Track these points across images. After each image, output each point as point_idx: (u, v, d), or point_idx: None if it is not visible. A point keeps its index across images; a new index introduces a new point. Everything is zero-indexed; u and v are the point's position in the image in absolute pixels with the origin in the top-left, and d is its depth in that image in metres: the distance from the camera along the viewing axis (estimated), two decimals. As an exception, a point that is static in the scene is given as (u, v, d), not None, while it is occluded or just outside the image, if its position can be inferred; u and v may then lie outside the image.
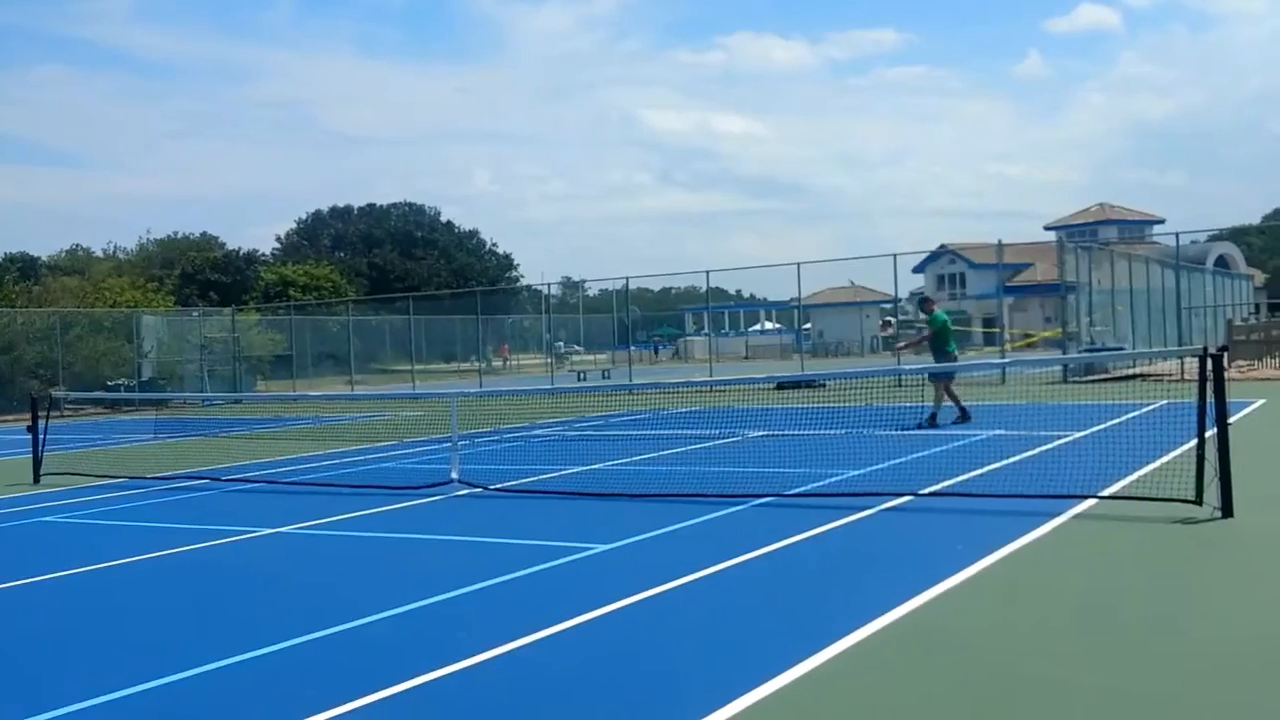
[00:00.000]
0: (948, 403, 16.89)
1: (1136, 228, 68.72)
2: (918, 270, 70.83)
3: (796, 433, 16.14)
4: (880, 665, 5.46)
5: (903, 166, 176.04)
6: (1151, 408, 17.84)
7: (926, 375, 18.09)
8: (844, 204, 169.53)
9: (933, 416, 16.63)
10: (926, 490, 10.50)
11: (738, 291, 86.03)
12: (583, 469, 13.75)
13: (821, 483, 11.57)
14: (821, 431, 16.00)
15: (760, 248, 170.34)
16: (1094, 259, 30.44)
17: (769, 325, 79.70)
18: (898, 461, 12.92)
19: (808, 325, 70.33)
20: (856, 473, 12.07)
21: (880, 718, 4.78)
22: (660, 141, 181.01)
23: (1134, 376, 26.05)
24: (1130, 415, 16.90)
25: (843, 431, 15.72)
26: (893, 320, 32.25)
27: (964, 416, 16.83)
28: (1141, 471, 10.68)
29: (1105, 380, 26.10)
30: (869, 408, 16.80)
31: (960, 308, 68.85)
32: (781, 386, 24.18)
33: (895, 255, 31.23)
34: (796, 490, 11.01)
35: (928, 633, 6.00)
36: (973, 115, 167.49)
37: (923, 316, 19.18)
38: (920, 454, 13.48)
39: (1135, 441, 12.68)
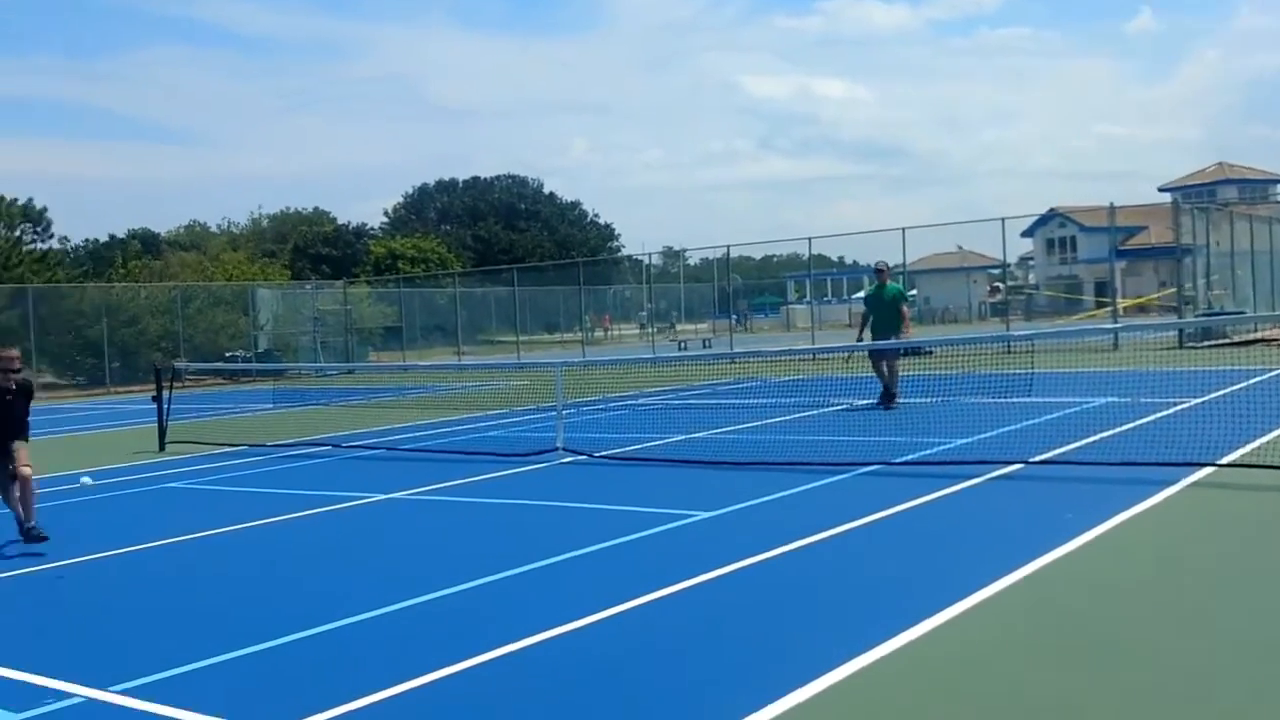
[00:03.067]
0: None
1: (1258, 187, 66.10)
2: (1026, 234, 69.24)
3: (902, 400, 15.99)
4: (987, 633, 5.46)
5: (1008, 128, 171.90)
6: (1274, 374, 17.25)
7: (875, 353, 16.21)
8: (948, 167, 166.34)
9: (892, 394, 15.89)
10: (1037, 458, 10.36)
11: (840, 258, 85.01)
12: (686, 437, 13.85)
13: (928, 451, 11.48)
14: (928, 399, 15.84)
15: (862, 213, 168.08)
16: (1212, 220, 29.40)
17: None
18: (1007, 429, 12.74)
19: (913, 291, 69.22)
20: (964, 441, 11.95)
21: (985, 686, 4.79)
22: (760, 108, 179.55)
23: (1255, 341, 25.13)
24: (1251, 382, 16.36)
25: (950, 399, 15.54)
26: (1001, 285, 31.53)
27: (889, 400, 15.83)
28: (1262, 439, 10.38)
29: (1224, 345, 25.25)
30: (976, 375, 16.53)
31: (1072, 272, 67.26)
32: (888, 354, 23.93)
33: (1004, 219, 30.46)
34: (903, 459, 10.95)
35: (1036, 601, 5.96)
36: (1079, 75, 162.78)
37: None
38: (1030, 422, 13.27)
39: (1255, 408, 12.31)
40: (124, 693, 5.11)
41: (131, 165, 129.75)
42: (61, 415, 25.23)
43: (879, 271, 17.20)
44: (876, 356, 16.09)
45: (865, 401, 15.89)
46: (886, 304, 16.54)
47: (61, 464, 14.49)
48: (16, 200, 45.35)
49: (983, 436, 12.32)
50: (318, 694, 4.95)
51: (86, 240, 67.00)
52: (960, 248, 67.31)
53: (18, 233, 44.20)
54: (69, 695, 5.14)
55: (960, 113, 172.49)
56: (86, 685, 5.24)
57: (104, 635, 6.38)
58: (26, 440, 9.13)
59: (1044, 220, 67.81)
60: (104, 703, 5.04)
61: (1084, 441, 11.37)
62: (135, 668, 5.46)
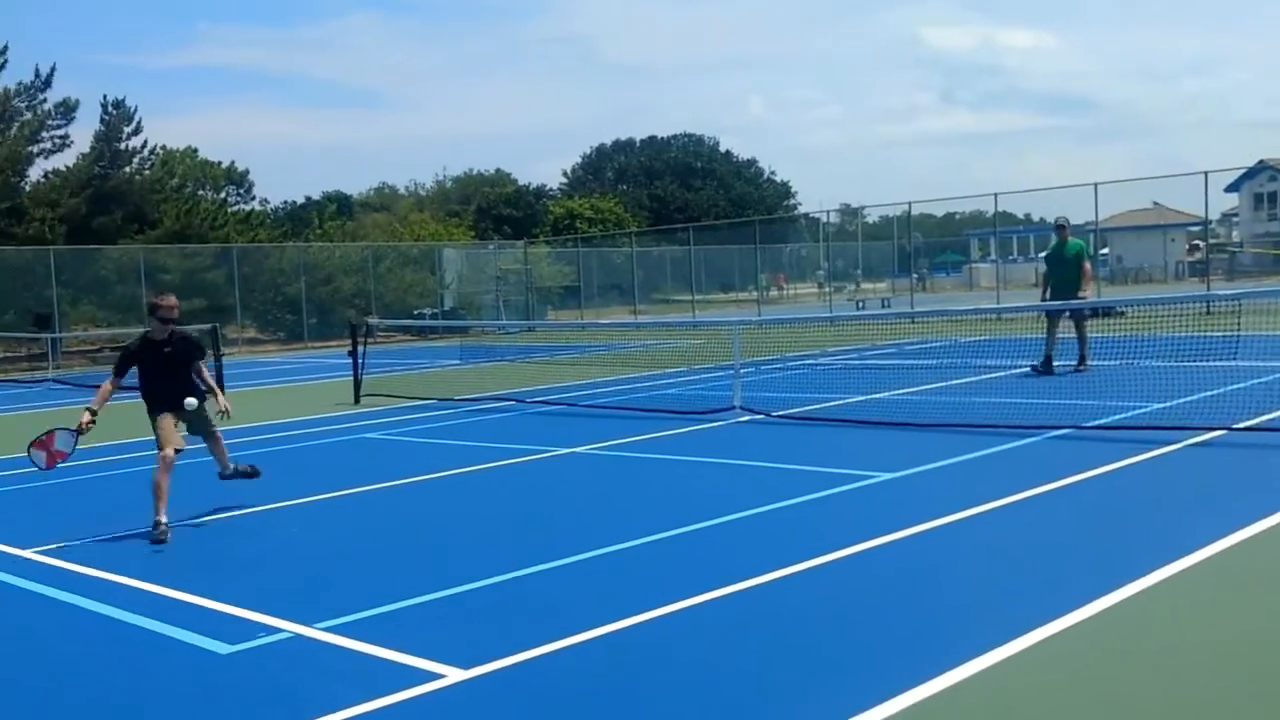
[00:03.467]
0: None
1: None
2: (1231, 189, 65.13)
3: (1094, 363, 15.38)
4: (1184, 603, 5.24)
5: (1209, 75, 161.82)
6: None
7: (1069, 314, 15.47)
8: (1142, 118, 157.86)
9: (1081, 358, 15.28)
10: (1241, 424, 9.83)
11: (1026, 215, 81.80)
12: (866, 397, 13.67)
13: (1122, 415, 11.03)
14: (1121, 361, 15.19)
15: (1051, 168, 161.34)
16: None
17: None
18: (1207, 394, 12.11)
19: (1105, 250, 66.25)
20: (1160, 405, 11.42)
21: (1180, 656, 4.60)
22: (941, 59, 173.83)
23: None
24: None
25: (1144, 362, 14.86)
26: (1201, 244, 29.78)
27: (1046, 367, 15.14)
28: None
29: None
30: (1173, 337, 15.74)
31: (1282, 229, 63.06)
32: (1077, 314, 23.02)
33: (1206, 173, 28.73)
34: (1095, 423, 10.55)
35: (1239, 573, 5.69)
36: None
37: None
38: (1233, 386, 12.58)
39: None
40: (329, 630, 5.41)
41: (325, 129, 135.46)
42: (264, 368, 26.69)
43: (1059, 228, 16.45)
44: (1055, 317, 15.45)
45: (1061, 364, 15.30)
46: (1069, 262, 15.80)
47: (267, 414, 15.34)
48: (221, 164, 47.96)
49: (1180, 401, 11.75)
50: (516, 635, 5.13)
51: (285, 202, 70.32)
52: (1157, 204, 63.85)
53: (223, 195, 46.77)
54: (278, 630, 5.48)
55: (1157, 60, 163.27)
56: (294, 621, 5.57)
57: (310, 575, 6.76)
58: (206, 400, 8.47)
59: (1251, 174, 63.67)
60: (310, 639, 5.34)
61: (1295, 408, 10.71)
62: (339, 606, 5.78)
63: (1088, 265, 15.88)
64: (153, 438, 8.13)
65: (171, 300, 8.37)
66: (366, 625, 5.47)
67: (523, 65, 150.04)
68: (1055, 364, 15.19)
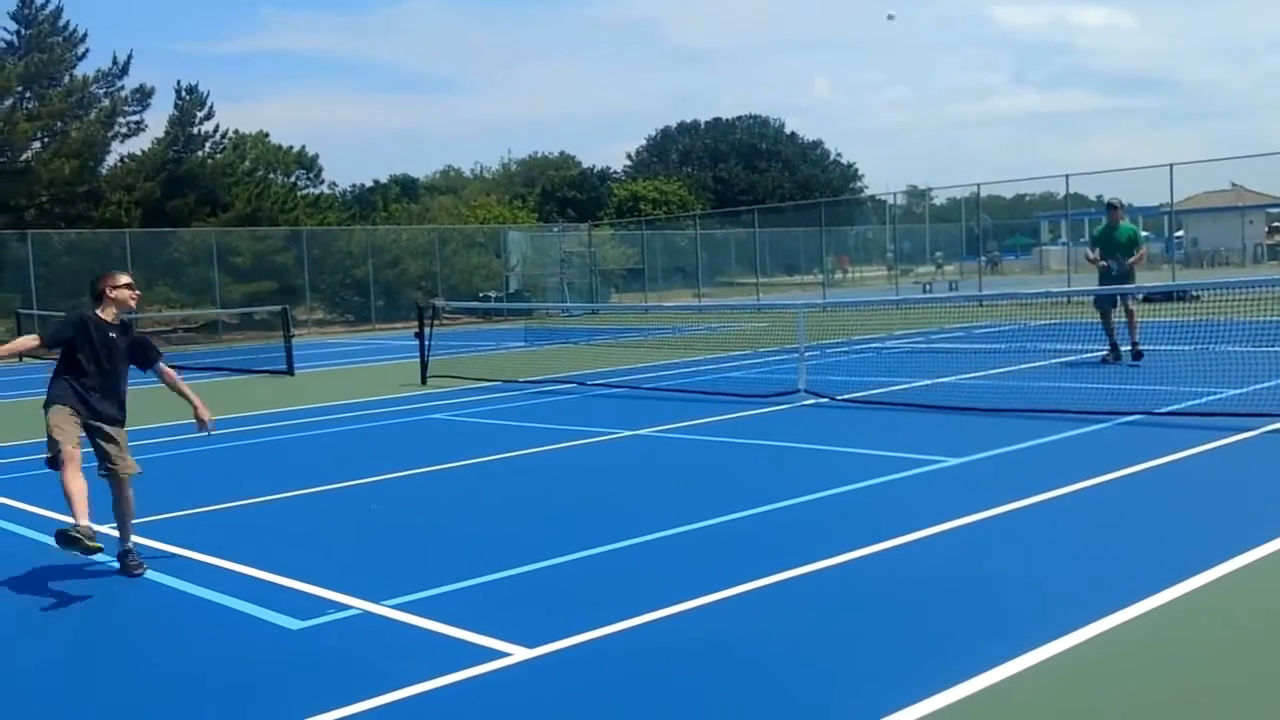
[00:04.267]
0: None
1: None
2: (1314, 169, 63.33)
3: (1168, 347, 15.08)
4: (1264, 591, 5.13)
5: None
6: None
7: (1125, 298, 14.56)
8: (1222, 99, 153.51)
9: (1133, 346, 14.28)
10: (1321, 412, 9.59)
11: (1099, 197, 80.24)
12: (932, 382, 13.53)
13: (1196, 401, 10.81)
14: (1196, 346, 14.87)
15: (1124, 149, 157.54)
16: None
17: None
18: (1286, 380, 11.82)
19: (1180, 232, 64.81)
20: (1236, 391, 11.17)
21: (1265, 641, 4.51)
22: (1011, 38, 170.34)
23: None
24: None
25: (1220, 347, 14.53)
26: (1282, 226, 28.90)
27: (1114, 356, 14.34)
28: None
29: None
30: (1251, 322, 15.36)
31: (1367, 211, 61.22)
32: (1149, 299, 22.59)
33: (1288, 153, 27.94)
34: (1168, 409, 10.35)
35: (1320, 563, 5.56)
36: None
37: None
38: (1313, 373, 12.26)
39: None
40: (397, 607, 5.49)
41: (392, 113, 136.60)
42: (333, 350, 27.08)
43: (1111, 208, 15.28)
44: (1107, 305, 14.56)
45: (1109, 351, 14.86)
46: (1121, 246, 14.73)
47: (336, 395, 15.57)
48: (292, 148, 48.60)
49: (1258, 387, 11.47)
50: (580, 616, 5.17)
51: (353, 185, 71.18)
52: (1235, 185, 62.32)
53: (293, 179, 47.40)
54: (347, 607, 5.57)
55: (1238, 39, 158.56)
56: (363, 599, 5.66)
57: (380, 553, 6.85)
58: (121, 425, 6.58)
59: (1335, 153, 61.83)
60: (379, 615, 5.42)
61: (1378, 395, 10.42)
62: (408, 584, 5.85)
63: (1142, 251, 14.99)
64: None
65: (128, 279, 6.74)
66: (433, 603, 5.54)
67: (587, 48, 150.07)
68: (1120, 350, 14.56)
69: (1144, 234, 23.48)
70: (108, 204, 35.23)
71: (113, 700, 4.64)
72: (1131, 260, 14.76)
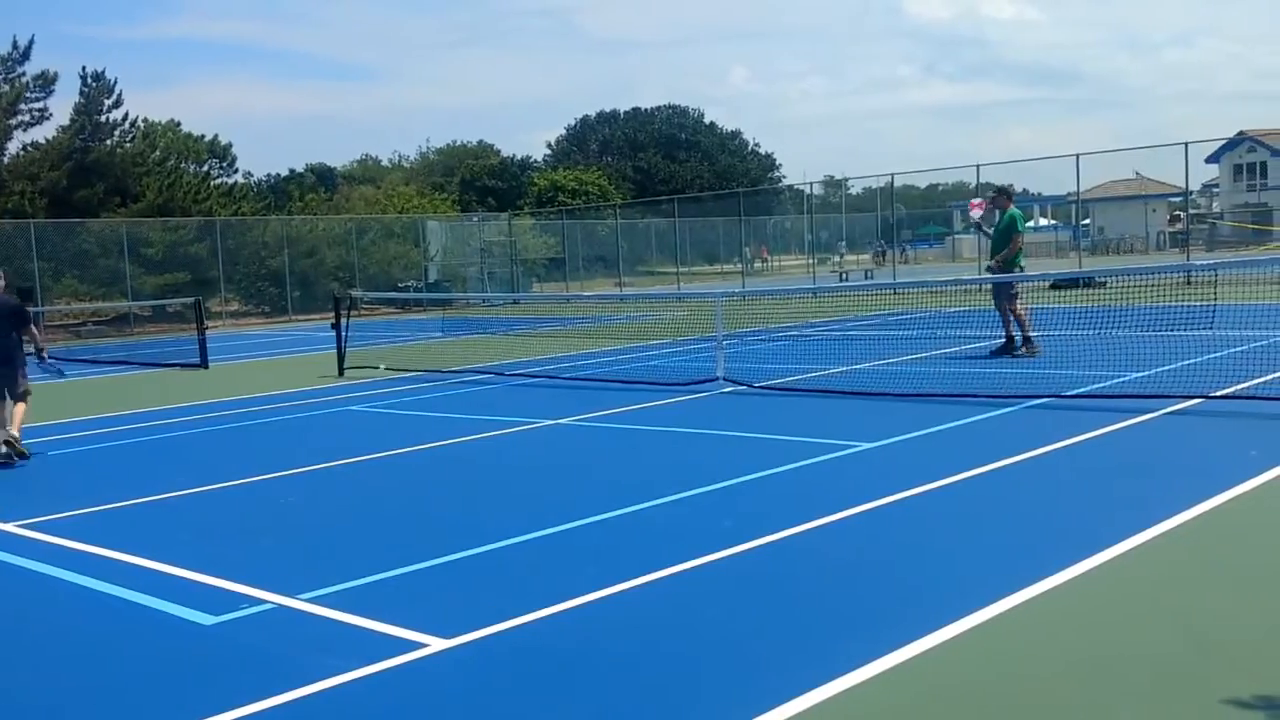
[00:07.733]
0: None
1: None
2: (1211, 160, 65.22)
3: (1074, 332, 15.48)
4: (1160, 570, 5.32)
5: (1193, 47, 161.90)
6: None
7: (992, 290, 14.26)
8: (1126, 90, 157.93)
9: (1009, 341, 14.03)
10: (1218, 393, 9.93)
11: (1009, 185, 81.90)
12: (847, 368, 13.74)
13: (1101, 385, 11.13)
14: (1100, 331, 15.28)
15: (1033, 140, 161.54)
16: None
17: (1044, 221, 75.75)
18: (1185, 364, 12.21)
19: (1086, 221, 66.39)
20: (1139, 375, 11.52)
21: (1153, 624, 4.68)
22: (924, 31, 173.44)
23: None
24: None
25: (1124, 332, 14.95)
26: (1182, 214, 29.79)
27: (1029, 348, 13.86)
28: None
29: None
30: (1153, 307, 15.83)
31: (1261, 200, 63.30)
32: (1057, 285, 23.16)
33: (1186, 144, 28.76)
34: (1074, 392, 10.64)
35: (1215, 539, 5.77)
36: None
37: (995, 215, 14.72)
38: (1210, 356, 12.69)
39: None
40: (312, 601, 5.45)
41: (308, 101, 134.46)
42: (249, 342, 26.63)
43: (996, 195, 14.89)
44: (997, 294, 14.23)
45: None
46: (1001, 232, 14.47)
47: (252, 387, 15.33)
48: (204, 137, 47.57)
49: (1159, 370, 11.85)
50: (498, 605, 5.17)
51: (268, 175, 69.89)
52: (1138, 174, 64.01)
53: (206, 168, 46.39)
54: (261, 602, 5.51)
55: (1141, 32, 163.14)
56: (278, 593, 5.60)
57: (295, 547, 6.78)
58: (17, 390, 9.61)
59: (1231, 145, 63.77)
60: (294, 609, 5.38)
61: (1270, 376, 10.82)
62: (323, 578, 5.81)
63: (1017, 239, 14.29)
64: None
65: None
66: (349, 596, 5.51)
67: (507, 38, 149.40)
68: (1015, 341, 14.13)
69: (1029, 224, 23.07)
70: (11, 194, 34.17)
71: (18, 702, 4.54)
72: (998, 258, 14.38)
